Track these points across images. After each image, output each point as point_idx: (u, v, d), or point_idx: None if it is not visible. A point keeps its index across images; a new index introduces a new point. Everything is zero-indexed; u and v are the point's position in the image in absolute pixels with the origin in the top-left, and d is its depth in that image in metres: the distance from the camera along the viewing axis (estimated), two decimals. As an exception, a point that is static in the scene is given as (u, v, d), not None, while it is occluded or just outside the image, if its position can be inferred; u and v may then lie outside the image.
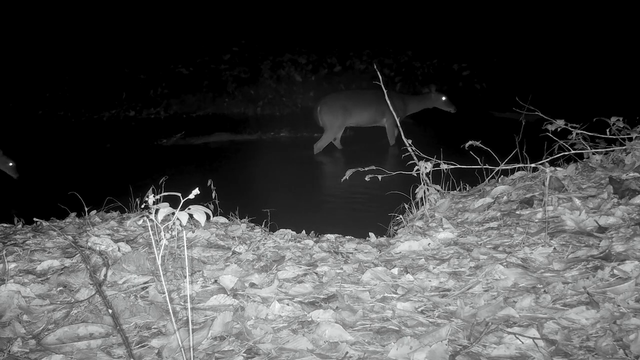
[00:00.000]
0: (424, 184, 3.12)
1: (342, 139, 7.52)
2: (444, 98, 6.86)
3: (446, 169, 3.19)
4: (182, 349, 1.54)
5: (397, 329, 1.80)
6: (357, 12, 13.36)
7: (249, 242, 2.69)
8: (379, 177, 3.18)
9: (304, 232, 2.98)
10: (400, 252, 2.53)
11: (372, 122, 7.06)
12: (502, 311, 1.85)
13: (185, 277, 2.24)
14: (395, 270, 2.24)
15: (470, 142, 3.22)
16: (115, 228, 2.90)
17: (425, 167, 3.10)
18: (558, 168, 3.19)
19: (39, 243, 2.65)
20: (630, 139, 3.30)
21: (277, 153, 7.71)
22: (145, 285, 2.17)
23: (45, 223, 2.91)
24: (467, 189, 3.56)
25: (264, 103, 11.09)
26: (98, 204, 3.44)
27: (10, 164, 6.29)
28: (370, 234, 2.91)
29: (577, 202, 2.69)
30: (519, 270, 2.13)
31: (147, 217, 1.39)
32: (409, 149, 3.21)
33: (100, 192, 3.46)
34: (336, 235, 2.91)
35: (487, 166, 3.37)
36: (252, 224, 3.19)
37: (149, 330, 1.87)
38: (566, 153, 3.30)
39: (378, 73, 3.61)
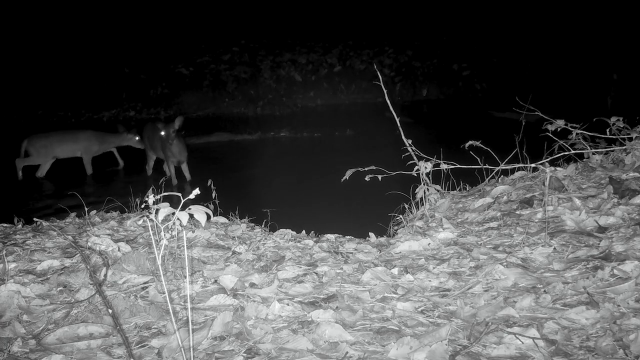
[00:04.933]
0: (424, 184, 3.12)
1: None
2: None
3: (446, 169, 3.19)
4: (182, 349, 1.54)
5: (397, 329, 1.80)
6: (357, 12, 13.36)
7: (249, 242, 2.69)
8: (379, 177, 3.18)
9: (304, 232, 2.98)
10: (400, 252, 2.53)
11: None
12: (502, 311, 1.85)
13: (185, 277, 2.24)
14: (395, 270, 2.24)
15: (470, 142, 3.22)
16: (115, 228, 2.90)
17: (425, 167, 3.10)
18: (558, 168, 3.19)
19: (39, 243, 2.65)
20: (630, 139, 3.30)
21: (277, 153, 7.71)
22: (145, 285, 2.17)
23: (45, 223, 2.91)
24: (467, 189, 3.56)
25: (264, 103, 11.10)
26: (98, 204, 3.44)
27: (137, 138, 6.69)
28: (370, 234, 2.91)
29: (577, 202, 2.69)
30: (519, 270, 2.13)
31: (147, 217, 1.39)
32: (409, 149, 3.21)
33: (100, 192, 3.47)
34: (336, 235, 2.91)
35: (487, 166, 3.37)
36: (252, 224, 3.19)
37: (149, 330, 1.87)
38: (566, 153, 3.30)
39: (378, 73, 3.61)
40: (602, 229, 2.44)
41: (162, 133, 5.91)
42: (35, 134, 6.67)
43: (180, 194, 1.40)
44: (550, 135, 3.35)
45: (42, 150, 6.52)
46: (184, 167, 6.24)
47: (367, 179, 3.16)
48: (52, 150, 6.57)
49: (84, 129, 7.06)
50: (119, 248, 2.49)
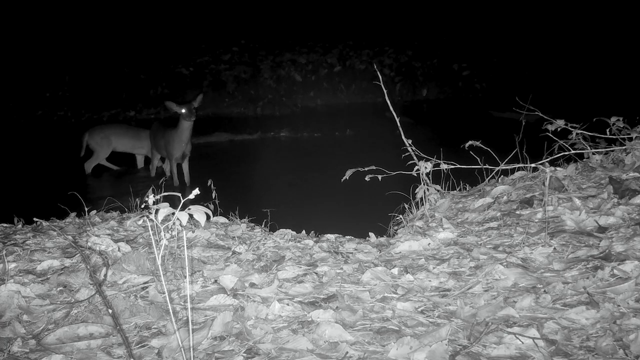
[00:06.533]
0: (424, 184, 3.12)
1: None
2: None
3: (446, 169, 3.19)
4: (182, 349, 1.54)
5: (397, 329, 1.80)
6: (357, 12, 13.37)
7: (249, 242, 2.69)
8: (379, 177, 3.18)
9: (304, 232, 2.98)
10: (400, 252, 2.53)
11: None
12: (502, 311, 1.85)
13: (185, 277, 2.24)
14: (395, 270, 2.24)
15: (470, 142, 3.22)
16: (115, 228, 2.90)
17: (425, 167, 3.10)
18: (558, 168, 3.19)
19: (39, 243, 2.65)
20: (630, 139, 3.30)
21: (277, 153, 7.71)
22: (145, 285, 2.17)
23: (45, 223, 2.91)
24: (467, 189, 3.56)
25: (264, 103, 11.10)
26: (98, 204, 3.44)
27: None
28: (370, 234, 2.91)
29: (577, 202, 2.69)
30: (519, 270, 2.13)
31: (147, 217, 1.39)
32: (409, 149, 3.21)
33: (100, 192, 3.46)
34: (336, 235, 2.91)
35: (487, 166, 3.37)
36: (252, 224, 3.19)
37: (149, 330, 1.87)
38: (566, 153, 3.30)
39: (378, 73, 3.61)
40: (602, 229, 2.44)
41: (184, 110, 5.69)
42: (95, 127, 6.65)
43: (180, 194, 1.40)
44: (550, 135, 3.35)
45: (102, 142, 6.50)
46: (185, 166, 6.10)
47: (367, 179, 3.16)
48: (112, 141, 6.55)
49: (144, 128, 6.88)
50: (119, 248, 2.49)
